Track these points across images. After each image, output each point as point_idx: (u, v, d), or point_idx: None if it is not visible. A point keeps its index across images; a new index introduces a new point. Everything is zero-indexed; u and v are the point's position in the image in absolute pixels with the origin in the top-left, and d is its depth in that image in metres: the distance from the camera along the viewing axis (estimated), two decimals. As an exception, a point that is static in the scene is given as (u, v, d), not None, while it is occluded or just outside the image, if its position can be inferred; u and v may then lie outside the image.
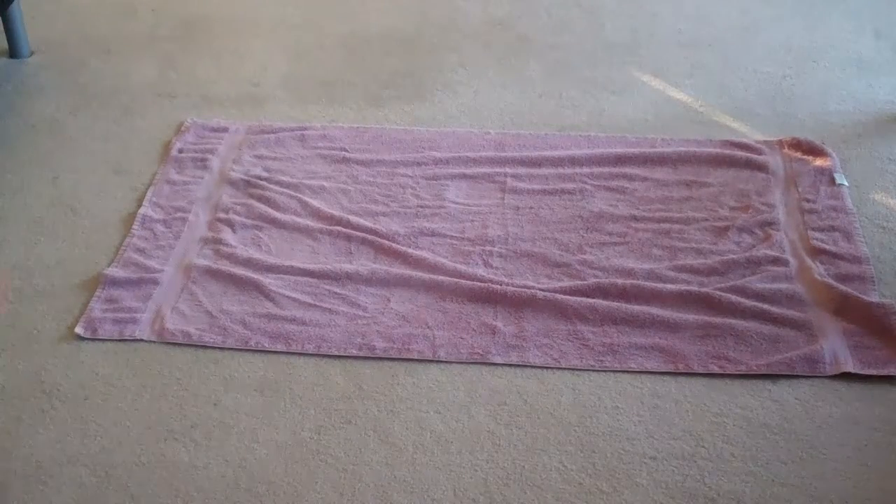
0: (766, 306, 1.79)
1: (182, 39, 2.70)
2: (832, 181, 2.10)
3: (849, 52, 2.58)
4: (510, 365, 1.72)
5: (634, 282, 1.85)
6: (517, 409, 1.64)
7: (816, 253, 1.92)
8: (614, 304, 1.81)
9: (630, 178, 2.13)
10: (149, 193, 2.12)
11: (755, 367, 1.69)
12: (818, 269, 1.87)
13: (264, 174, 2.16)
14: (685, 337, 1.75)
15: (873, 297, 1.81)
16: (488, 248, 1.95)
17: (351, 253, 1.95)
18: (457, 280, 1.86)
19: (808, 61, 2.56)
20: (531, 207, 2.05)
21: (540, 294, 1.82)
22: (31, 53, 2.64)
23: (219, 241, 1.98)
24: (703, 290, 1.83)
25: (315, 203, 2.07)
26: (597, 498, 1.49)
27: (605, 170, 2.16)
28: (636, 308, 1.80)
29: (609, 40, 2.66)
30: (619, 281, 1.85)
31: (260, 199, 2.09)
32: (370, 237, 1.97)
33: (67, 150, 2.28)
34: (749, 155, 2.18)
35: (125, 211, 2.08)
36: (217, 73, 2.54)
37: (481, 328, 1.78)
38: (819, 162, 2.16)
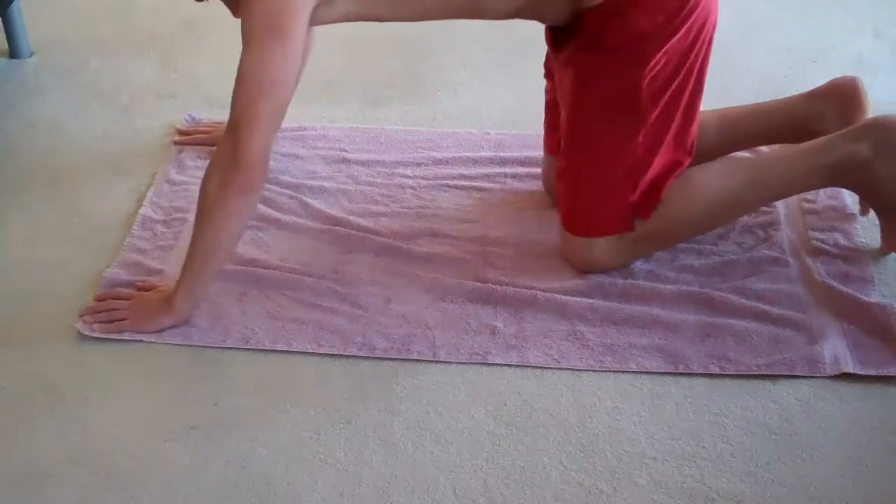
0: (766, 307, 1.79)
1: (182, 39, 2.70)
2: (832, 181, 2.10)
3: (849, 52, 2.58)
4: (510, 365, 1.72)
5: (634, 282, 1.85)
6: (517, 410, 1.64)
7: (816, 253, 1.92)
8: (614, 304, 1.81)
9: (630, 178, 2.13)
10: (149, 193, 2.12)
11: (755, 368, 1.69)
12: (818, 270, 1.87)
13: (264, 174, 2.16)
14: (685, 337, 1.75)
15: (873, 298, 1.80)
16: (489, 248, 1.95)
17: (351, 253, 1.95)
18: (457, 280, 1.86)
19: (808, 61, 2.56)
20: (532, 208, 2.05)
21: (540, 294, 1.82)
22: (31, 53, 2.63)
23: (219, 242, 1.98)
24: (704, 290, 1.83)
25: (315, 203, 2.07)
26: (597, 498, 1.49)
27: (605, 170, 2.15)
28: (636, 308, 1.80)
29: (609, 40, 2.66)
30: (620, 281, 1.85)
31: (260, 199, 2.08)
32: (370, 237, 1.97)
33: (67, 150, 2.28)
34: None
35: (125, 211, 2.08)
36: (217, 74, 2.54)
37: (481, 328, 1.78)
38: (819, 162, 2.16)
